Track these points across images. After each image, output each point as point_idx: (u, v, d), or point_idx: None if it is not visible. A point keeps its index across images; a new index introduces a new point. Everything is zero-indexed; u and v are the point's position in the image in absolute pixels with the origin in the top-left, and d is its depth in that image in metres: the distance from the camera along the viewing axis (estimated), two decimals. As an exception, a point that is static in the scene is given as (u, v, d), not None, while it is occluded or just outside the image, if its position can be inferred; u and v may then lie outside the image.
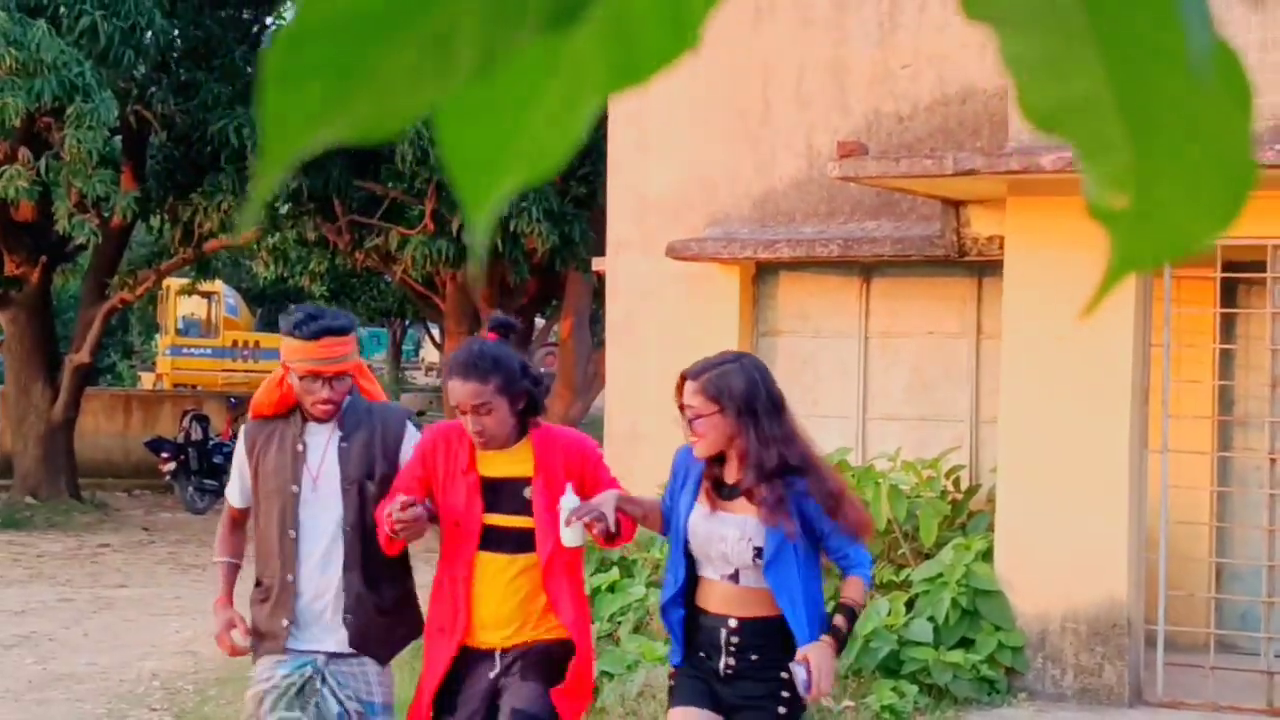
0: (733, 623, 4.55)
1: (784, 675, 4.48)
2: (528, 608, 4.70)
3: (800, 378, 10.39)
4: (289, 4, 19.51)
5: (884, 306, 10.56)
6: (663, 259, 10.70)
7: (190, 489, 19.68)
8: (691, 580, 4.65)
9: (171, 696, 9.18)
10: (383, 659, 4.99)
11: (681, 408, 4.58)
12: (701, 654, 4.61)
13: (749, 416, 4.47)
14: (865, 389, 10.59)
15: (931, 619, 8.70)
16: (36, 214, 17.61)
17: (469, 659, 4.74)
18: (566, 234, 17.23)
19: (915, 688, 8.41)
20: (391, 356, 44.75)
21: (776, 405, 4.55)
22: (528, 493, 4.68)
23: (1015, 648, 8.74)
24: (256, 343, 31.62)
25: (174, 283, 27.59)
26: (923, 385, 10.46)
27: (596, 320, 20.55)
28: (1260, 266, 8.93)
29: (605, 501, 4.52)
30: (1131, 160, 0.67)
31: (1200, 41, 0.65)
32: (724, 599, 4.58)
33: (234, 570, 5.12)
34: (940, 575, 8.85)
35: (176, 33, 17.77)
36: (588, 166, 17.53)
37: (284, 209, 17.80)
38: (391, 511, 4.54)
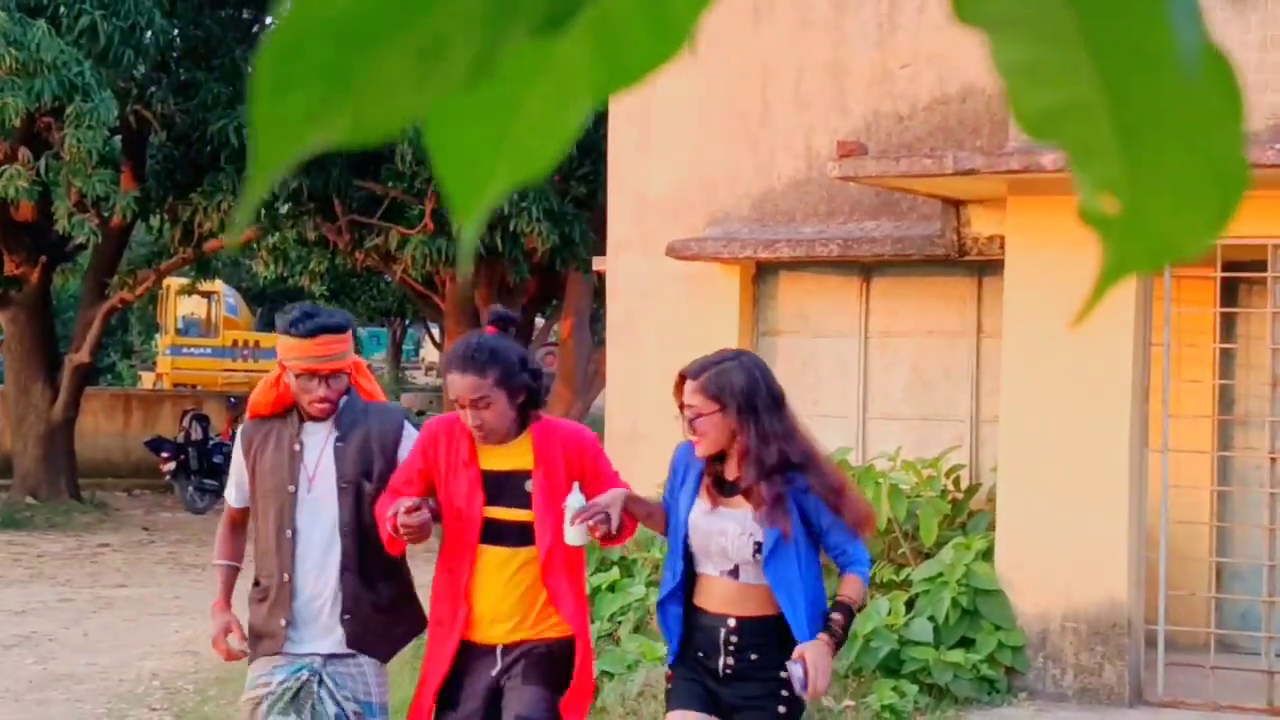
0: (732, 622, 4.53)
1: (783, 674, 4.47)
2: (528, 602, 4.68)
3: (800, 377, 10.39)
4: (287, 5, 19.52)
5: (884, 306, 10.56)
6: (663, 259, 10.70)
7: (190, 489, 19.68)
8: (690, 579, 4.64)
9: (171, 696, 9.18)
10: (383, 657, 4.99)
11: (681, 407, 4.57)
12: (700, 654, 4.59)
13: (750, 414, 4.46)
14: (865, 388, 10.59)
15: (932, 618, 8.70)
16: (36, 214, 17.62)
17: (470, 655, 4.72)
18: (566, 234, 17.23)
19: (915, 687, 8.41)
20: (391, 356, 44.75)
21: (777, 401, 4.54)
22: (528, 486, 4.66)
23: (1015, 647, 8.74)
24: (256, 342, 31.61)
25: (174, 282, 27.59)
26: (923, 385, 10.46)
27: (597, 320, 20.56)
28: (1261, 266, 8.93)
29: (612, 502, 4.50)
30: (1123, 165, 0.67)
31: (1190, 46, 0.65)
32: (723, 596, 4.56)
33: (233, 573, 5.11)
34: (940, 575, 8.85)
35: (176, 32, 17.77)
36: (588, 166, 17.54)
37: (284, 208, 17.80)
38: (397, 514, 4.52)
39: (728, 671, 4.54)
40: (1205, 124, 0.67)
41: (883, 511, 9.01)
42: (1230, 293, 9.50)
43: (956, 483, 9.83)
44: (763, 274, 10.81)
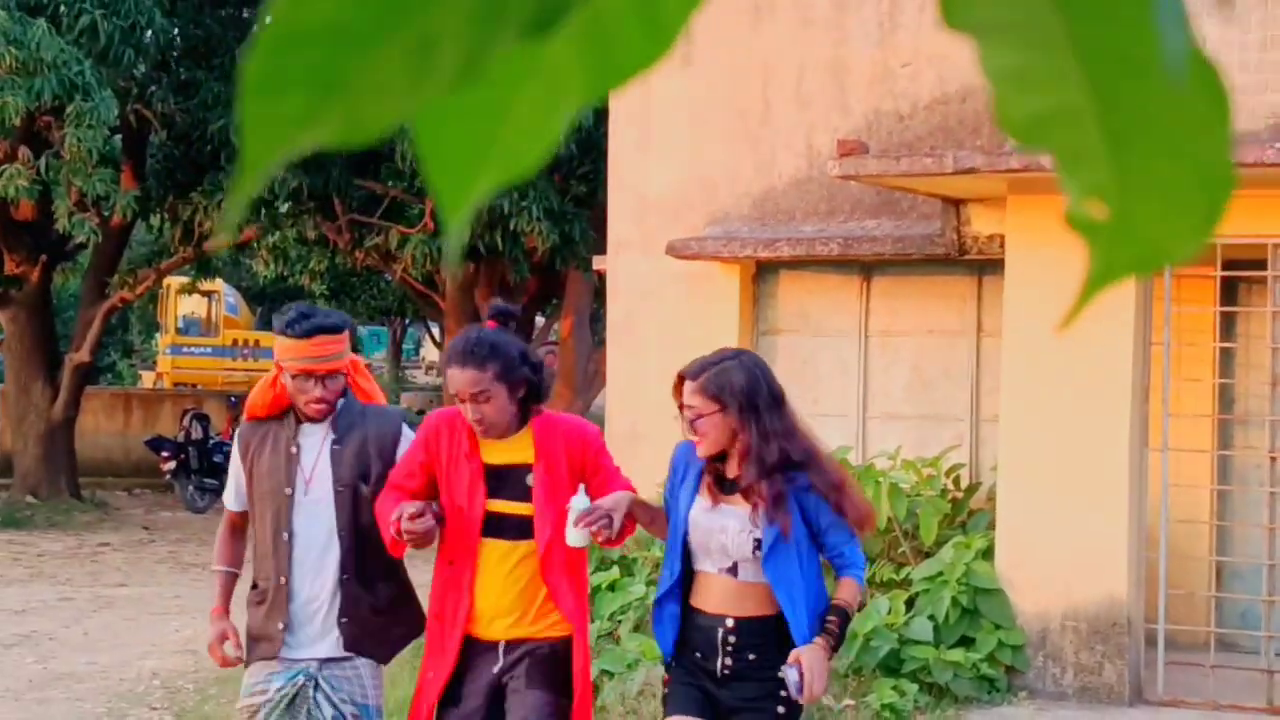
0: (730, 622, 4.51)
1: (781, 675, 4.46)
2: (528, 597, 4.66)
3: (800, 377, 10.39)
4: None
5: (884, 305, 10.56)
6: (663, 258, 10.70)
7: (190, 488, 19.69)
8: (687, 578, 4.62)
9: (171, 695, 9.18)
10: (382, 659, 4.98)
11: (681, 407, 4.56)
12: (698, 654, 4.56)
13: (750, 413, 4.45)
14: (865, 388, 10.59)
15: (932, 617, 8.70)
16: (36, 213, 17.62)
17: (472, 651, 4.70)
18: (567, 233, 17.23)
19: (915, 686, 8.41)
20: (391, 355, 44.75)
21: (777, 400, 4.53)
22: (530, 480, 4.64)
23: (1015, 646, 8.74)
24: (256, 341, 31.60)
25: (174, 281, 27.60)
26: (923, 384, 10.46)
27: (597, 319, 20.56)
28: (1261, 265, 8.93)
29: (615, 505, 4.49)
30: (1111, 171, 0.68)
31: (1176, 52, 0.65)
32: (721, 595, 4.54)
33: (231, 580, 5.09)
34: (940, 574, 8.85)
35: (176, 32, 17.78)
36: (588, 165, 17.53)
37: (284, 207, 17.80)
38: (401, 518, 4.50)
39: (726, 672, 4.53)
40: (1192, 130, 0.67)
41: (883, 510, 9.01)
42: (1230, 292, 9.50)
43: (956, 482, 9.84)
44: (763, 273, 10.81)
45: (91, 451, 21.69)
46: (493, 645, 4.69)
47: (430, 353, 48.01)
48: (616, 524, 4.45)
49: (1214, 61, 0.67)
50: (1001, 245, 9.28)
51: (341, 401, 4.91)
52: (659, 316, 10.87)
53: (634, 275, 11.08)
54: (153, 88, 17.53)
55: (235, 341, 32.16)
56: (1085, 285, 0.70)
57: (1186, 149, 0.67)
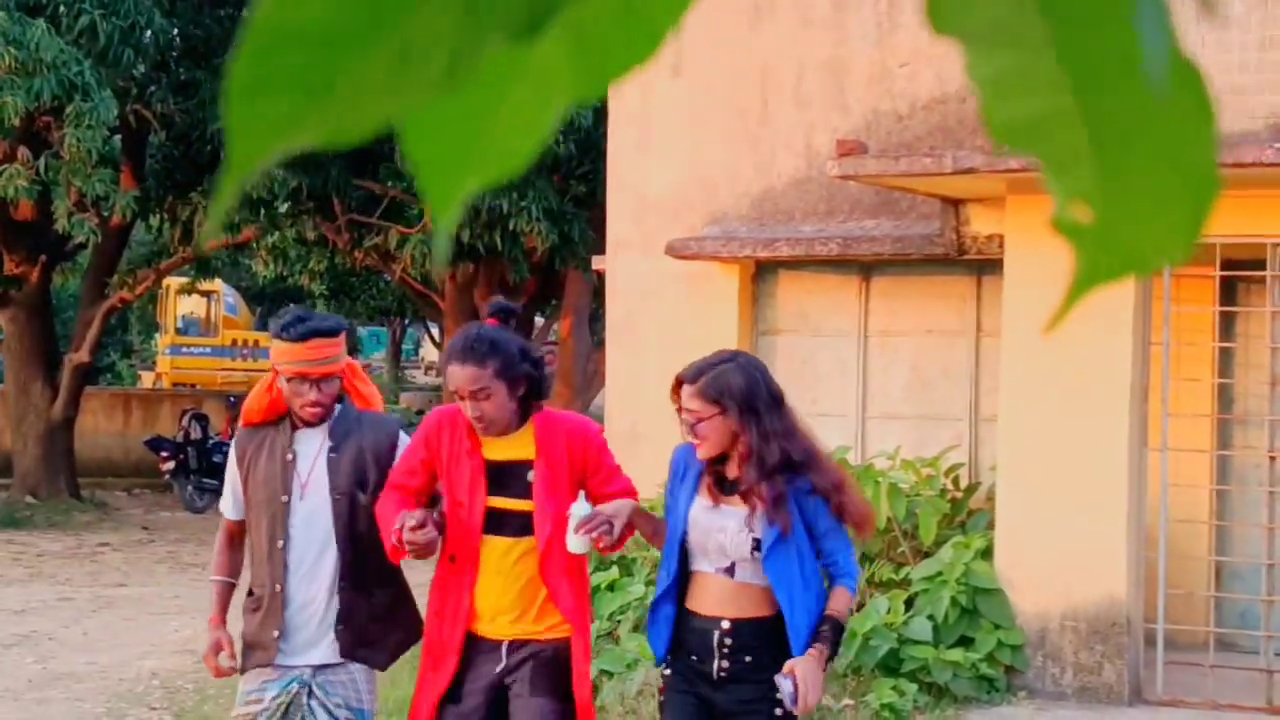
0: (725, 624, 4.50)
1: (778, 677, 4.45)
2: (530, 594, 4.64)
3: (800, 377, 10.39)
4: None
5: (883, 305, 10.56)
6: (662, 258, 10.70)
7: (190, 488, 19.69)
8: (684, 581, 4.61)
9: (171, 695, 9.18)
10: (380, 665, 4.98)
11: (679, 410, 4.55)
12: (694, 657, 4.55)
13: (750, 414, 4.45)
14: (865, 388, 10.59)
15: (931, 617, 8.70)
16: (36, 213, 17.62)
17: (474, 649, 4.68)
18: (566, 233, 17.23)
19: (915, 686, 8.41)
20: (391, 355, 44.77)
21: (776, 401, 4.53)
22: (531, 476, 4.62)
23: (1015, 646, 8.74)
24: (256, 342, 31.60)
25: (173, 282, 27.60)
26: (922, 384, 10.46)
27: (596, 319, 20.56)
28: (1260, 265, 8.93)
29: (616, 513, 4.48)
30: (1096, 175, 0.68)
31: (1157, 58, 0.65)
32: (718, 596, 4.53)
33: (229, 589, 5.08)
34: (940, 573, 8.85)
35: (176, 32, 17.77)
36: (587, 165, 17.53)
37: (283, 208, 17.80)
38: (403, 528, 4.49)
39: (722, 674, 4.50)
40: (1177, 134, 0.67)
41: (882, 510, 9.01)
42: (1229, 291, 9.51)
43: (956, 482, 9.84)
44: (762, 273, 10.81)
45: (91, 452, 21.69)
46: (496, 644, 4.67)
47: (430, 353, 48.01)
48: (617, 530, 4.44)
49: (1198, 66, 0.67)
50: (1000, 245, 9.28)
51: (338, 407, 4.90)
52: (658, 316, 10.87)
53: (633, 275, 11.08)
54: (152, 88, 17.53)
55: (234, 342, 32.17)
56: (1071, 288, 0.71)
57: (1171, 153, 0.68)
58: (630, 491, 4.74)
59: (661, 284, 10.90)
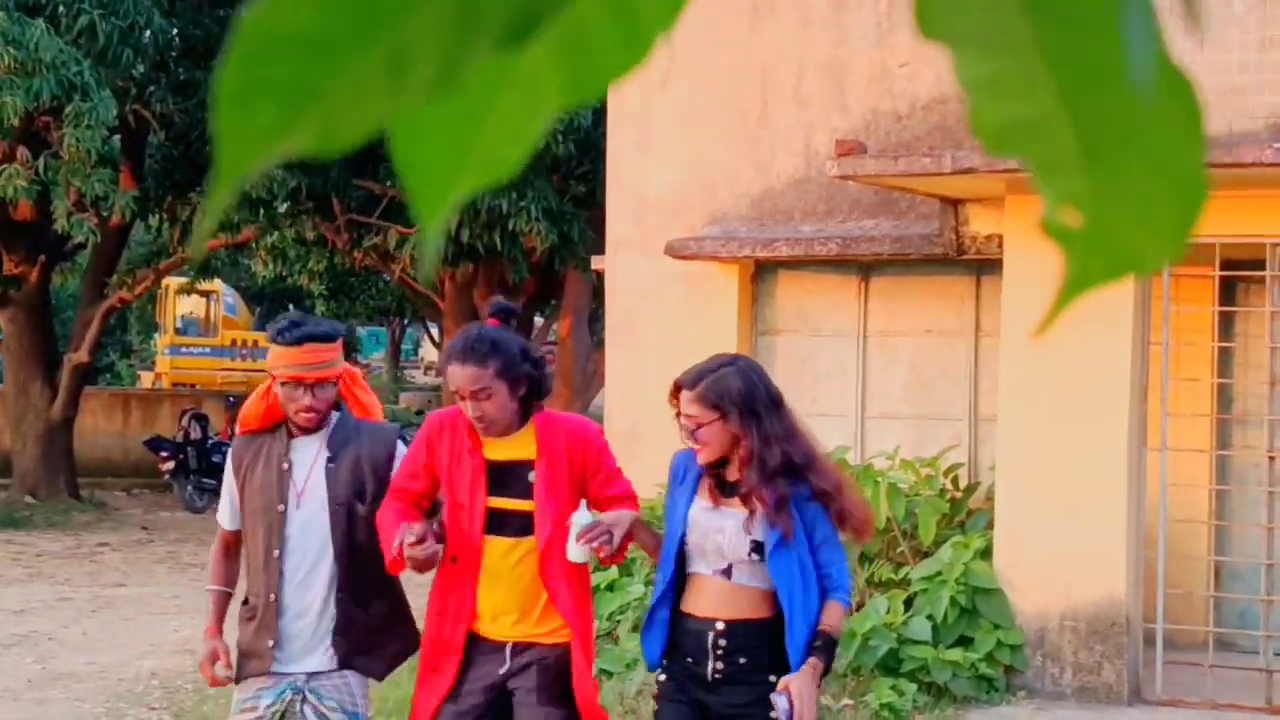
0: (720, 625, 4.48)
1: (772, 679, 4.44)
2: (532, 595, 4.63)
3: (799, 377, 10.39)
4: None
5: (883, 305, 10.56)
6: (662, 258, 10.70)
7: (189, 488, 19.69)
8: (680, 584, 4.60)
9: (170, 695, 9.17)
10: (377, 675, 4.98)
11: (678, 414, 4.54)
12: (688, 659, 4.53)
13: (751, 418, 4.44)
14: (864, 388, 10.59)
15: (930, 617, 8.70)
16: (35, 213, 17.62)
17: (477, 649, 4.67)
18: (565, 233, 17.23)
19: (914, 686, 8.41)
20: (390, 355, 44.78)
21: (776, 403, 4.52)
22: (532, 476, 4.62)
23: (1014, 646, 8.74)
24: (255, 341, 31.59)
25: (173, 282, 27.60)
26: (921, 384, 10.46)
27: (596, 319, 20.56)
28: (1259, 264, 8.93)
29: (617, 522, 4.48)
30: (1085, 179, 0.68)
31: (1143, 63, 0.65)
32: (713, 598, 4.52)
33: (225, 599, 5.07)
34: (939, 573, 8.85)
35: (175, 32, 17.77)
36: (587, 165, 17.53)
37: (282, 208, 17.80)
38: (403, 543, 4.49)
39: (716, 676, 4.49)
40: (1164, 138, 0.68)
41: (881, 510, 9.01)
42: (1229, 291, 9.51)
43: (955, 481, 9.84)
44: (761, 273, 10.81)
45: (90, 452, 21.69)
46: (499, 645, 4.66)
47: (429, 352, 48.02)
48: (616, 540, 4.44)
49: (1186, 72, 0.67)
50: (1000, 245, 9.28)
51: (336, 416, 4.89)
52: (658, 316, 10.88)
53: (633, 275, 11.08)
54: (151, 88, 17.53)
55: (234, 341, 32.17)
56: (1061, 292, 0.71)
57: (1159, 157, 0.68)
58: (630, 495, 4.74)
59: (661, 284, 10.90)
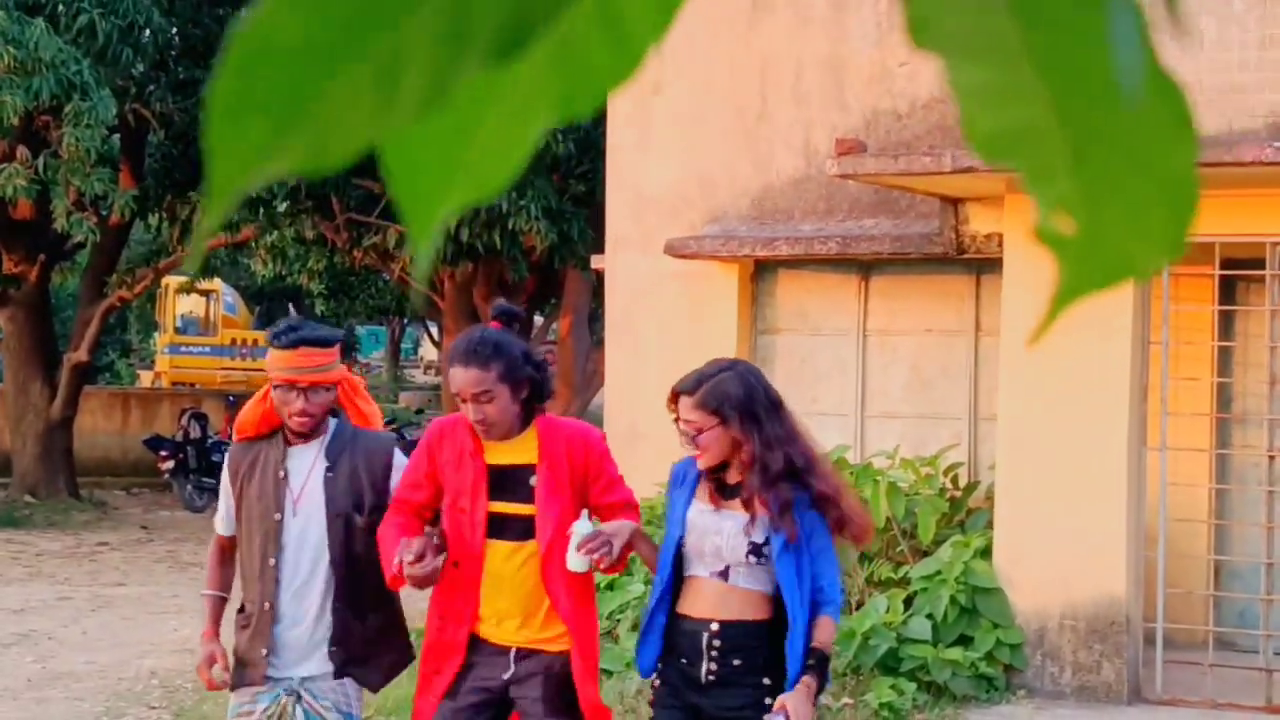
0: (715, 626, 4.48)
1: (766, 681, 4.44)
2: (535, 599, 4.63)
3: (799, 376, 10.39)
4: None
5: (882, 304, 10.56)
6: (661, 257, 10.70)
7: (189, 487, 19.69)
8: (677, 587, 4.60)
9: (170, 695, 9.18)
10: (372, 686, 4.99)
11: (676, 419, 4.54)
12: (683, 660, 4.53)
13: (751, 422, 4.43)
14: (864, 387, 10.59)
15: (930, 616, 8.70)
16: (35, 212, 17.62)
17: (480, 652, 4.67)
18: (565, 232, 17.22)
19: (914, 685, 8.41)
20: (390, 355, 44.79)
21: (775, 406, 4.52)
22: (533, 481, 4.62)
23: (1014, 645, 8.75)
24: (255, 341, 31.59)
25: (172, 281, 27.60)
26: (921, 383, 10.46)
27: (595, 318, 20.56)
28: (1259, 264, 8.93)
29: (617, 532, 4.48)
30: (1077, 186, 0.68)
31: (1131, 71, 0.65)
32: (710, 600, 4.51)
33: (220, 603, 5.08)
34: (939, 573, 8.85)
35: (175, 31, 17.77)
36: (586, 164, 17.53)
37: (282, 207, 17.80)
38: (403, 560, 4.48)
39: (710, 678, 4.48)
40: (1155, 145, 0.68)
41: (881, 510, 9.01)
42: (1229, 291, 9.51)
43: (955, 481, 9.84)
44: (761, 272, 10.81)
45: (90, 451, 21.69)
46: (503, 650, 4.66)
47: (429, 352, 48.03)
48: (616, 550, 4.44)
49: (1177, 78, 0.67)
50: (1000, 244, 9.28)
51: (334, 423, 4.89)
52: (657, 315, 10.87)
53: (632, 274, 11.08)
54: (151, 87, 17.53)
55: (233, 341, 32.17)
56: (1055, 298, 0.71)
57: (1150, 164, 0.68)
58: (630, 502, 4.74)
59: (661, 283, 10.89)
